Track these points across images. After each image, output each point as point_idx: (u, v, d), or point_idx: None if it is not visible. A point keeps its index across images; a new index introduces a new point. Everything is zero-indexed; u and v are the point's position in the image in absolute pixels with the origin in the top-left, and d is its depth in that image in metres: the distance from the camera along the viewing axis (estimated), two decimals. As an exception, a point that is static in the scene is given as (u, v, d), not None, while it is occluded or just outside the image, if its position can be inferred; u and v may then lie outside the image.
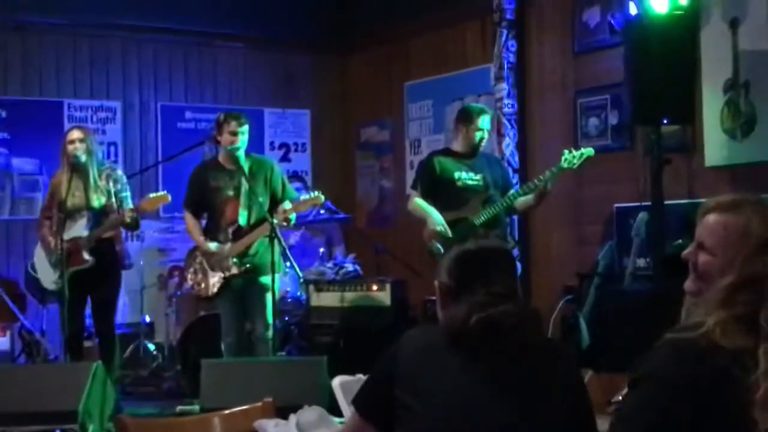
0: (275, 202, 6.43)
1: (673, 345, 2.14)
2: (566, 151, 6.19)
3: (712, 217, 2.25)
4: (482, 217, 6.31)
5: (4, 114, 8.46)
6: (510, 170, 7.38)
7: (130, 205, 6.49)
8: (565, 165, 6.18)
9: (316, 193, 6.31)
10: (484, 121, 6.43)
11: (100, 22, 8.76)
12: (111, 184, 6.52)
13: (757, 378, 2.03)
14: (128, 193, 6.61)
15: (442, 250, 6.35)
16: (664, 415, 2.09)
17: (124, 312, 8.24)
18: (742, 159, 6.22)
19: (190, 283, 6.60)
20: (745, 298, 2.13)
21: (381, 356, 2.48)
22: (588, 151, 6.21)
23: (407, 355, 2.41)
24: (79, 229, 6.40)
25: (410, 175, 8.97)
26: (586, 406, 2.42)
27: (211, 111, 9.19)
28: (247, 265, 6.32)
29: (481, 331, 2.36)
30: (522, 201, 6.38)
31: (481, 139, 6.44)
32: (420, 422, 2.33)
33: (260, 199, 6.27)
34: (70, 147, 6.43)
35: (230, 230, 6.36)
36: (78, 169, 6.41)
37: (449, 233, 6.28)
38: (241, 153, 6.38)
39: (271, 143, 9.60)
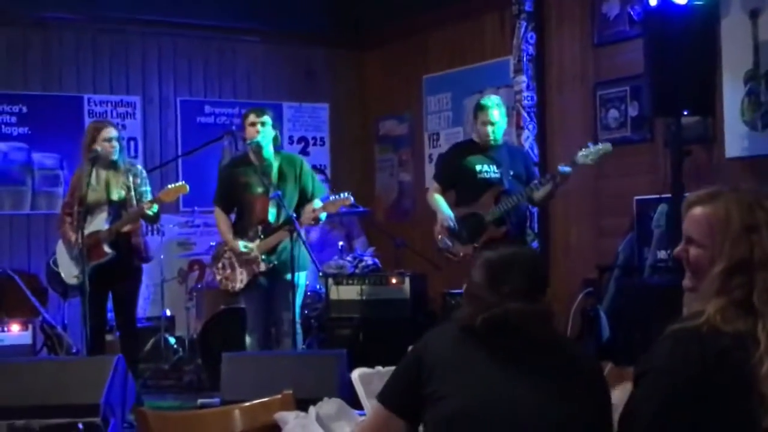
0: (305, 199, 6.44)
1: (674, 336, 2.20)
2: (584, 147, 6.22)
3: (694, 211, 2.32)
4: (493, 214, 6.35)
5: (24, 109, 8.50)
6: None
7: (150, 199, 6.52)
8: (581, 160, 6.19)
9: (347, 194, 6.31)
10: (492, 115, 6.43)
11: (119, 17, 8.79)
12: (131, 178, 6.55)
13: (761, 355, 2.09)
14: (148, 188, 6.63)
15: (450, 245, 6.44)
16: (667, 406, 2.14)
17: (144, 306, 8.28)
18: (762, 150, 6.18)
19: (218, 277, 6.61)
20: (738, 282, 2.19)
21: (407, 352, 2.52)
22: (606, 146, 6.21)
23: (434, 349, 2.45)
24: (100, 223, 6.43)
25: (429, 169, 8.98)
26: (606, 402, 2.43)
27: (230, 105, 9.22)
28: (275, 263, 6.33)
29: (487, 330, 2.41)
30: (540, 192, 6.40)
31: (491, 132, 6.44)
32: (450, 410, 2.36)
33: (289, 197, 6.28)
34: (105, 144, 6.45)
35: (259, 227, 6.37)
36: (99, 164, 6.44)
37: (456, 227, 6.37)
38: (267, 148, 6.38)
39: (290, 137, 9.61)
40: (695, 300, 2.28)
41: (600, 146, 6.23)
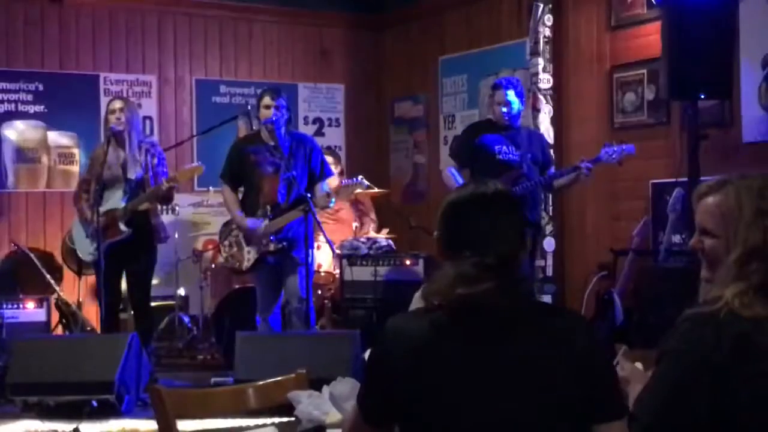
0: (313, 181, 6.44)
1: (692, 319, 2.19)
2: (607, 145, 6.25)
3: (705, 202, 2.32)
4: None
5: (41, 87, 8.51)
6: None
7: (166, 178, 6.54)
8: (605, 158, 6.23)
9: (360, 178, 6.32)
10: (503, 95, 6.43)
11: (135, -5, 8.80)
12: (149, 157, 6.57)
13: None
14: (165, 168, 6.65)
15: None
16: (682, 388, 2.13)
17: (158, 285, 8.31)
18: (780, 135, 6.16)
19: (224, 256, 6.63)
20: (755, 267, 2.19)
21: (370, 356, 2.27)
22: (629, 148, 6.23)
23: (398, 355, 2.15)
24: (116, 201, 6.46)
25: (444, 151, 8.97)
26: (603, 383, 2.13)
27: (245, 86, 9.22)
28: (284, 243, 6.33)
29: (459, 313, 2.13)
30: (561, 181, 6.46)
31: (504, 112, 6.44)
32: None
33: (299, 177, 6.28)
34: (110, 117, 6.49)
35: (268, 207, 6.38)
36: (117, 140, 6.46)
37: None
38: (281, 129, 6.38)
39: (305, 118, 9.60)
40: (713, 288, 2.27)
41: (623, 146, 6.25)
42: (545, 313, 2.21)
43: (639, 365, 2.55)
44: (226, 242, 6.56)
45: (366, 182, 6.36)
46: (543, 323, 2.15)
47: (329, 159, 7.43)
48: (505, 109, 6.44)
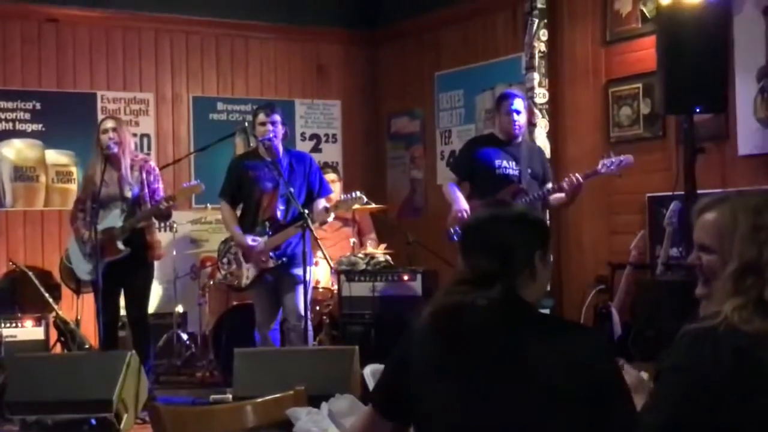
0: (311, 197, 6.45)
1: (691, 335, 2.19)
2: (605, 157, 6.26)
3: (703, 218, 2.35)
4: None
5: (38, 106, 8.53)
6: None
7: (162, 196, 6.55)
8: (603, 171, 6.23)
9: (358, 193, 6.33)
10: (511, 105, 6.44)
11: (132, 13, 8.81)
12: (143, 175, 6.58)
13: None
14: (160, 184, 6.67)
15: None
16: (683, 404, 2.13)
17: (157, 302, 8.31)
18: (776, 147, 6.17)
19: (223, 273, 6.63)
20: (752, 282, 2.20)
21: (395, 348, 2.37)
22: (627, 159, 6.24)
23: (415, 347, 2.29)
24: (113, 219, 6.46)
25: (441, 166, 8.99)
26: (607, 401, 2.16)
27: (242, 102, 9.24)
28: (283, 259, 6.34)
29: (436, 331, 2.24)
30: (554, 198, 6.43)
31: (512, 122, 6.44)
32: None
33: (297, 193, 6.29)
34: (102, 137, 6.51)
35: (267, 224, 6.38)
36: (110, 160, 6.47)
37: None
38: (277, 144, 6.40)
39: (302, 134, 9.62)
40: (710, 303, 2.29)
41: (622, 157, 6.25)
42: (548, 331, 2.24)
43: (644, 374, 2.57)
44: (225, 259, 6.57)
45: (364, 197, 6.36)
46: (533, 338, 2.19)
47: (331, 176, 7.45)
48: (516, 117, 6.43)
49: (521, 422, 2.13)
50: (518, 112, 6.45)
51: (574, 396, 2.12)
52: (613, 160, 6.24)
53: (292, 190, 6.26)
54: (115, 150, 6.46)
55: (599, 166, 6.27)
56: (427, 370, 2.24)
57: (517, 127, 6.47)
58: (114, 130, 6.52)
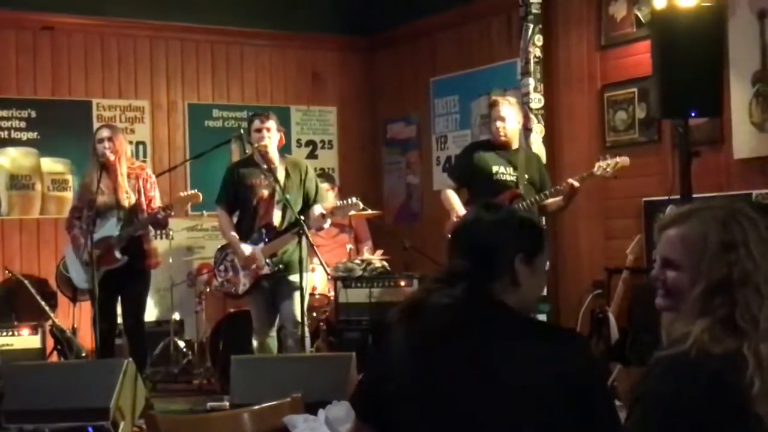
0: (307, 204, 6.45)
1: (665, 361, 2.16)
2: (600, 158, 6.27)
3: (669, 233, 2.28)
4: None
5: (33, 114, 8.53)
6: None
7: (159, 204, 6.55)
8: (599, 172, 6.24)
9: (355, 198, 6.32)
10: (501, 110, 6.45)
11: (127, 21, 8.82)
12: (140, 183, 6.57)
13: (751, 375, 2.06)
14: (157, 192, 6.66)
15: None
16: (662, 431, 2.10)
17: (153, 310, 8.31)
18: (771, 151, 6.18)
19: (220, 280, 6.63)
20: (720, 301, 2.15)
21: (372, 352, 2.42)
22: (623, 160, 6.25)
23: (393, 350, 2.28)
24: (110, 228, 6.46)
25: (437, 171, 8.99)
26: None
27: (238, 109, 9.24)
28: (280, 266, 6.33)
29: (405, 328, 2.24)
30: (551, 202, 6.44)
31: (501, 128, 6.45)
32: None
33: (293, 200, 6.28)
34: (98, 146, 6.50)
35: (264, 230, 6.38)
36: (107, 168, 6.47)
37: None
38: (273, 151, 6.39)
39: (298, 141, 9.62)
40: (677, 321, 2.25)
41: (618, 159, 6.27)
42: (522, 333, 2.22)
43: None
44: (222, 267, 6.56)
45: (361, 203, 6.35)
46: (510, 343, 2.17)
47: (324, 185, 7.44)
48: (501, 124, 6.45)
49: (485, 423, 2.12)
50: (503, 119, 6.46)
51: (548, 398, 2.10)
52: (609, 161, 6.26)
53: (288, 196, 6.25)
54: (111, 158, 6.46)
55: (595, 168, 6.29)
56: (402, 369, 2.23)
57: (503, 134, 6.48)
58: (110, 139, 6.51)
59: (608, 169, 6.25)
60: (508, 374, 2.12)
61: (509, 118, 6.47)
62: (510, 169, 6.48)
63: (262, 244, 6.34)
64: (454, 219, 6.49)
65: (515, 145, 6.57)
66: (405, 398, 2.21)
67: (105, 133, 6.59)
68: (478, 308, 2.19)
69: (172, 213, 6.52)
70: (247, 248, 6.34)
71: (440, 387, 2.17)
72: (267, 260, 6.32)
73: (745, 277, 2.17)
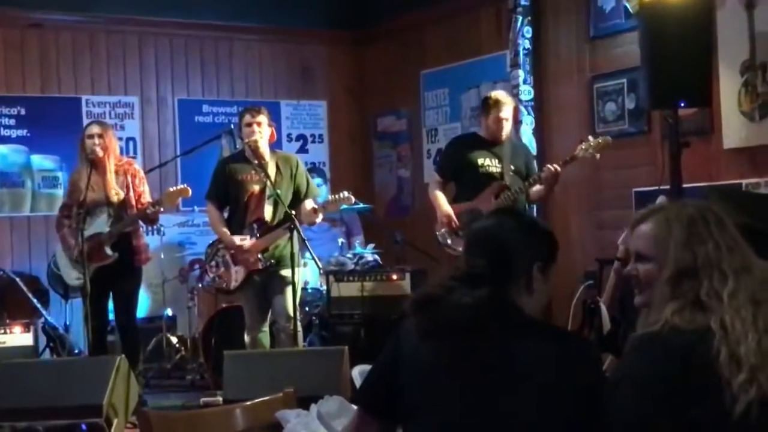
0: (298, 199, 6.44)
1: (638, 342, 2.25)
2: (583, 141, 6.27)
3: (638, 229, 2.40)
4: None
5: (23, 111, 8.51)
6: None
7: (149, 199, 6.54)
8: (580, 154, 6.23)
9: (347, 193, 6.31)
10: (506, 111, 6.46)
11: (115, 17, 8.80)
12: (129, 178, 6.56)
13: (717, 344, 2.14)
14: (146, 187, 6.65)
15: (449, 240, 6.47)
16: (647, 411, 2.15)
17: (145, 306, 8.31)
18: (760, 140, 6.19)
19: (211, 275, 6.62)
20: (688, 286, 2.25)
21: (384, 346, 2.39)
22: (605, 139, 6.25)
23: (407, 345, 2.30)
24: (100, 225, 6.45)
25: (428, 165, 8.99)
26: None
27: (228, 105, 9.23)
28: (272, 261, 6.32)
29: (419, 324, 2.26)
30: (534, 191, 6.44)
31: (503, 128, 6.48)
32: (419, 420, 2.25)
33: (284, 195, 6.28)
34: (88, 142, 6.49)
35: (255, 226, 6.37)
36: (96, 165, 6.46)
37: (456, 224, 6.40)
38: (263, 146, 6.38)
39: (288, 135, 9.62)
40: (650, 311, 2.32)
41: (599, 139, 6.27)
42: (537, 334, 2.27)
43: None
44: (213, 262, 6.55)
45: (353, 198, 6.35)
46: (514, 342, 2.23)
47: (318, 180, 7.44)
48: (505, 124, 6.49)
49: (504, 418, 2.15)
50: (508, 120, 6.49)
51: (560, 396, 2.15)
52: (591, 142, 6.25)
53: (279, 191, 6.24)
54: (100, 155, 6.45)
55: (576, 151, 6.28)
56: (415, 364, 2.26)
57: (504, 133, 6.50)
58: (100, 135, 6.50)
59: (590, 150, 6.24)
60: (522, 373, 2.17)
61: (511, 119, 6.51)
62: (495, 161, 6.49)
63: (253, 239, 6.33)
64: (440, 217, 6.51)
65: (502, 136, 6.58)
66: (416, 391, 2.24)
67: (95, 129, 6.58)
68: (498, 309, 2.24)
69: (162, 209, 6.50)
70: (238, 241, 6.33)
71: (454, 381, 2.20)
72: (259, 255, 6.31)
73: (710, 262, 2.26)
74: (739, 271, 2.26)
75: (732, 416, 2.10)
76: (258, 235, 6.33)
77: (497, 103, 6.51)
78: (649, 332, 2.22)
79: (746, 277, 2.26)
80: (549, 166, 6.30)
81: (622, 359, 2.26)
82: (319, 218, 6.41)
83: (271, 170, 6.34)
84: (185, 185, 6.60)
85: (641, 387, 2.16)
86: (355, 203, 6.77)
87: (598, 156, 6.31)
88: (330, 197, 6.51)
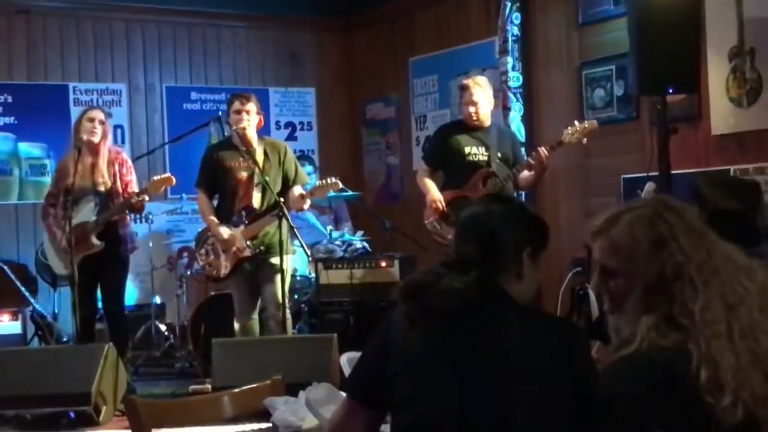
0: (287, 185, 6.43)
1: (621, 362, 2.19)
2: (570, 126, 6.26)
3: (600, 242, 2.33)
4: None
5: (10, 99, 8.47)
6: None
7: (136, 189, 6.51)
8: (567, 139, 6.22)
9: (334, 179, 6.30)
10: (473, 94, 6.43)
11: (103, 4, 8.77)
12: (116, 167, 6.54)
13: (696, 367, 2.11)
14: (134, 176, 6.63)
15: (439, 228, 6.46)
16: (644, 427, 2.12)
17: (134, 293, 8.29)
18: (748, 126, 6.20)
19: (201, 263, 6.61)
20: (661, 299, 2.21)
21: (374, 334, 2.38)
22: (591, 123, 6.24)
23: (397, 334, 2.29)
24: (87, 213, 6.42)
25: (417, 152, 8.99)
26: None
27: (216, 92, 9.20)
28: (261, 248, 6.31)
29: (410, 311, 2.24)
30: (523, 177, 6.43)
31: (473, 112, 6.44)
32: (410, 420, 2.22)
33: (272, 182, 6.26)
34: (88, 125, 6.43)
35: (243, 213, 6.36)
36: (89, 152, 6.43)
37: (445, 209, 6.38)
38: (251, 133, 6.37)
39: (277, 122, 9.60)
40: (622, 322, 2.29)
41: (586, 123, 6.27)
42: (527, 320, 2.26)
43: None
44: (203, 250, 6.54)
45: (340, 183, 6.34)
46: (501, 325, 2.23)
47: (308, 168, 7.41)
48: (473, 109, 6.45)
49: (496, 404, 2.15)
50: (476, 103, 6.44)
51: (553, 382, 2.15)
52: (577, 127, 6.24)
53: (267, 178, 6.23)
54: (97, 141, 6.43)
55: (563, 136, 6.26)
56: (405, 351, 2.25)
57: (476, 118, 6.47)
58: (102, 122, 6.48)
59: (576, 134, 6.23)
60: (514, 357, 2.17)
61: (481, 102, 6.46)
62: (482, 149, 6.47)
63: (242, 227, 6.32)
64: (429, 204, 6.49)
65: (487, 123, 6.55)
66: (406, 379, 2.23)
67: (99, 114, 6.55)
68: (488, 295, 2.23)
69: (147, 198, 6.47)
70: (225, 231, 6.32)
71: (444, 368, 2.20)
72: (248, 242, 6.30)
73: (679, 271, 2.21)
74: (707, 273, 2.22)
75: None
76: (246, 222, 6.32)
77: (465, 88, 6.50)
78: (631, 352, 2.17)
79: (715, 279, 2.22)
80: (538, 150, 6.29)
81: (607, 380, 2.19)
82: (307, 204, 6.40)
83: (259, 157, 6.33)
84: (169, 174, 6.58)
85: (635, 408, 2.13)
86: (343, 189, 6.76)
87: (585, 141, 6.29)
88: (317, 182, 6.49)
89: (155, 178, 6.52)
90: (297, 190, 6.38)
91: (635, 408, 2.14)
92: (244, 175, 6.38)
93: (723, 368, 2.12)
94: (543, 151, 6.22)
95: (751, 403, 2.11)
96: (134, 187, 6.55)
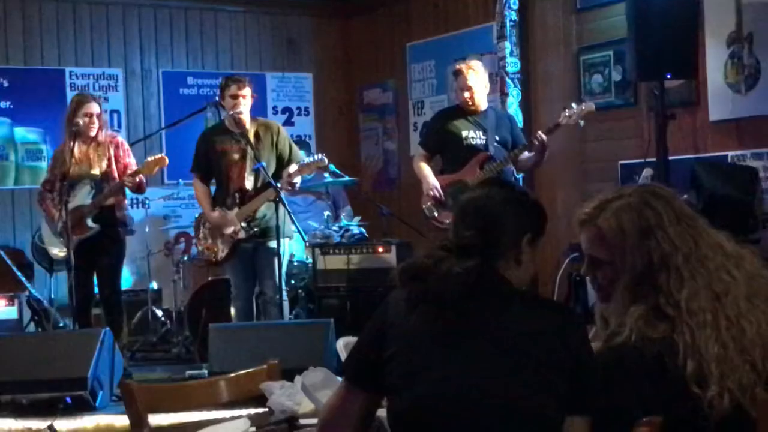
0: (282, 165, 6.42)
1: (610, 353, 2.21)
2: (567, 108, 6.23)
3: (588, 231, 2.35)
4: (479, 181, 6.32)
5: (6, 83, 8.44)
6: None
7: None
8: (564, 121, 6.20)
9: (320, 155, 6.30)
10: (468, 79, 6.40)
11: (99, -12, 8.74)
12: (112, 151, 6.53)
13: (683, 358, 2.14)
14: (132, 159, 6.61)
15: (436, 213, 6.45)
16: (634, 416, 2.12)
17: (131, 278, 8.29)
18: (746, 112, 6.19)
19: (199, 248, 6.61)
20: (648, 289, 2.22)
21: (371, 317, 2.38)
22: (588, 106, 6.21)
23: (394, 317, 2.29)
24: (84, 197, 6.41)
25: (414, 137, 8.97)
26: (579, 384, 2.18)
27: (213, 76, 9.17)
28: (255, 230, 6.31)
29: (409, 293, 2.26)
30: (523, 159, 6.41)
31: (468, 97, 6.41)
32: (406, 404, 2.22)
33: (265, 163, 6.25)
34: (84, 119, 6.41)
35: (237, 195, 6.36)
36: (86, 139, 6.42)
37: (442, 197, 6.37)
38: (245, 116, 6.36)
39: (274, 108, 9.58)
40: (610, 311, 2.29)
41: (583, 106, 6.24)
42: (525, 305, 2.26)
43: None
44: (201, 234, 6.54)
45: (326, 159, 6.32)
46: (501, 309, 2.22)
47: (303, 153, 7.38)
48: (467, 94, 6.42)
49: (494, 389, 2.15)
50: (470, 88, 6.41)
51: (550, 366, 2.14)
52: (574, 109, 6.21)
53: (262, 164, 6.22)
54: (93, 134, 6.43)
55: (560, 118, 6.23)
56: (403, 334, 2.25)
57: (471, 103, 6.44)
58: (99, 116, 6.47)
59: (574, 117, 6.20)
60: (512, 341, 2.17)
61: (476, 86, 6.42)
62: (480, 133, 6.45)
63: (236, 209, 6.32)
64: (426, 190, 6.47)
65: (483, 107, 6.52)
66: (404, 362, 2.23)
67: (95, 109, 6.51)
68: (488, 280, 2.23)
69: (140, 178, 6.45)
70: (215, 214, 6.33)
71: (443, 351, 2.19)
72: (243, 224, 6.30)
73: (665, 261, 2.23)
74: (694, 262, 2.23)
75: (709, 425, 2.12)
76: (239, 203, 6.33)
77: (459, 72, 6.48)
78: (620, 343, 2.19)
79: (702, 268, 2.23)
80: (536, 134, 6.26)
81: (604, 378, 2.18)
82: (297, 180, 6.35)
83: (253, 138, 6.32)
84: (162, 155, 6.55)
85: (625, 402, 2.15)
86: (338, 174, 6.74)
87: (582, 123, 6.27)
88: (304, 160, 6.46)
89: (149, 158, 6.50)
90: (292, 168, 6.36)
91: (624, 399, 2.14)
92: (236, 157, 6.37)
93: (708, 358, 2.13)
94: (540, 135, 6.20)
95: (738, 393, 2.12)
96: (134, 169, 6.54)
